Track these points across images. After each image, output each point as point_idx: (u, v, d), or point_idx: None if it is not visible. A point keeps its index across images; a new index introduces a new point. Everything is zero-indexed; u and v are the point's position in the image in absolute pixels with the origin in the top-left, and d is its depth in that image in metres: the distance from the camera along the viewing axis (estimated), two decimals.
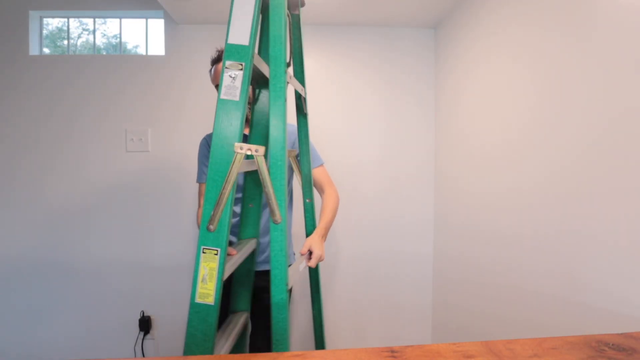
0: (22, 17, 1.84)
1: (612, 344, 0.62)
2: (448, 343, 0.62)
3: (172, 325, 1.87)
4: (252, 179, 1.33)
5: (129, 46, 2.03)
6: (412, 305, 1.97)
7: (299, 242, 1.87)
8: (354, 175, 1.94)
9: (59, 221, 1.84)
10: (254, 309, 1.48)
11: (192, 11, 1.74)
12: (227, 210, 0.85)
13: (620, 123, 0.83)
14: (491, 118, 1.39)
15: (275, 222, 0.89)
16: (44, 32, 1.94)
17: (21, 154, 1.83)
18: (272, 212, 0.89)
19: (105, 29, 2.01)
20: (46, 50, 1.95)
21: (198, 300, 0.83)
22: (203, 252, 0.84)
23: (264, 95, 1.26)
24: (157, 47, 1.95)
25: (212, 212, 0.84)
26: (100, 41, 2.00)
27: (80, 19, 1.97)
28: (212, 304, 0.84)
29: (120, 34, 1.97)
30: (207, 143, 1.39)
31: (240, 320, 1.23)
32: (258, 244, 1.35)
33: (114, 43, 2.00)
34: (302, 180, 1.32)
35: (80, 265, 1.85)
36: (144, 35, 1.96)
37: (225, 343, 1.02)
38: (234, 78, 0.91)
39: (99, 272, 1.86)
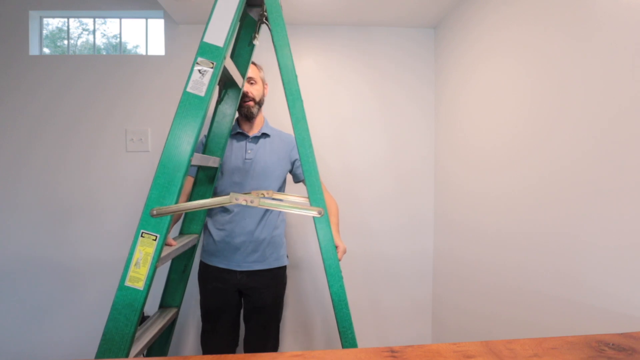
0: (22, 17, 1.84)
1: (612, 344, 0.62)
2: (448, 343, 0.62)
3: None
4: (204, 174, 1.35)
5: (129, 46, 2.03)
6: (412, 305, 1.97)
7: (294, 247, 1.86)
8: (352, 175, 1.94)
9: (59, 221, 1.84)
10: (245, 310, 1.47)
11: (192, 11, 1.74)
12: (173, 200, 0.85)
13: (621, 122, 0.83)
14: (491, 118, 1.39)
15: (320, 215, 0.93)
16: (44, 32, 1.94)
17: (21, 154, 1.83)
18: (314, 209, 0.93)
19: (105, 29, 2.01)
20: (46, 50, 1.95)
21: (127, 283, 0.84)
22: (141, 236, 0.84)
23: (229, 96, 1.29)
24: (157, 47, 1.95)
25: (160, 199, 0.84)
26: (100, 41, 2.00)
27: (80, 19, 1.97)
28: (142, 289, 0.84)
29: (120, 34, 1.97)
30: (200, 142, 1.41)
31: (168, 315, 1.23)
32: (243, 243, 1.38)
33: (114, 43, 2.00)
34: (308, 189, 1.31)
35: (80, 265, 1.85)
36: (144, 35, 1.96)
37: (145, 333, 1.03)
38: (203, 74, 0.92)
39: (99, 272, 1.86)
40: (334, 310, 0.92)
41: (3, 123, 1.83)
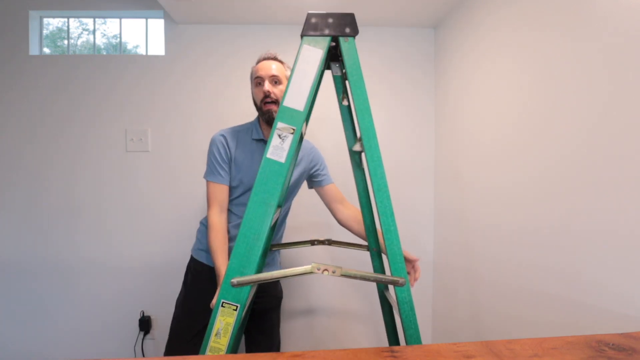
0: (22, 17, 1.84)
1: (612, 344, 0.62)
2: (448, 343, 0.62)
3: None
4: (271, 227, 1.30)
5: (129, 46, 2.03)
6: None
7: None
8: (350, 174, 1.93)
9: (59, 221, 1.84)
10: (252, 327, 1.42)
11: (192, 11, 1.74)
12: (254, 270, 0.84)
13: (621, 122, 0.83)
14: (491, 116, 1.39)
15: (402, 285, 0.89)
16: (44, 32, 1.94)
17: (20, 153, 1.83)
18: (398, 278, 0.89)
19: (105, 29, 2.01)
20: (46, 50, 1.95)
21: (208, 353, 0.82)
22: (222, 306, 0.83)
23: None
24: (157, 47, 1.95)
25: (240, 269, 0.83)
26: (100, 41, 2.00)
27: (80, 19, 1.97)
28: None
29: (120, 34, 1.97)
30: (224, 141, 1.28)
31: None
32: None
33: (114, 43, 2.00)
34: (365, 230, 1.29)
35: (80, 265, 1.85)
36: (144, 35, 1.96)
37: None
38: (283, 140, 0.90)
39: (98, 271, 1.86)
40: (401, 316, 0.92)
41: (2, 122, 1.83)
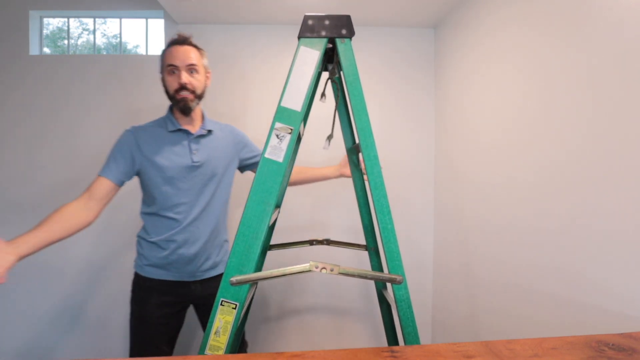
0: (22, 17, 1.84)
1: (612, 344, 0.62)
2: (448, 343, 0.62)
3: None
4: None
5: (129, 46, 2.04)
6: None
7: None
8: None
9: None
10: (203, 318, 1.34)
11: (192, 11, 1.74)
12: (252, 268, 0.85)
13: (627, 117, 0.83)
14: (491, 115, 1.39)
15: (399, 283, 0.89)
16: (44, 32, 1.94)
17: (23, 154, 1.83)
18: (395, 276, 0.88)
19: (105, 29, 2.01)
20: (46, 50, 1.95)
21: (208, 352, 0.82)
22: (221, 304, 0.83)
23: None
24: (157, 47, 1.95)
25: (239, 267, 0.83)
26: (100, 41, 2.00)
27: (80, 19, 1.97)
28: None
29: (120, 34, 1.97)
30: (134, 138, 1.19)
31: None
32: (202, 250, 1.25)
33: (114, 43, 2.01)
34: (364, 230, 1.29)
35: (80, 265, 1.85)
36: (144, 35, 1.96)
37: None
38: (281, 140, 0.91)
39: (98, 271, 1.86)
40: (400, 316, 0.92)
41: (4, 123, 1.83)
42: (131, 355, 1.26)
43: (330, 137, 1.23)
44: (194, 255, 1.23)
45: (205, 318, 1.34)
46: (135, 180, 1.26)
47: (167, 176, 1.19)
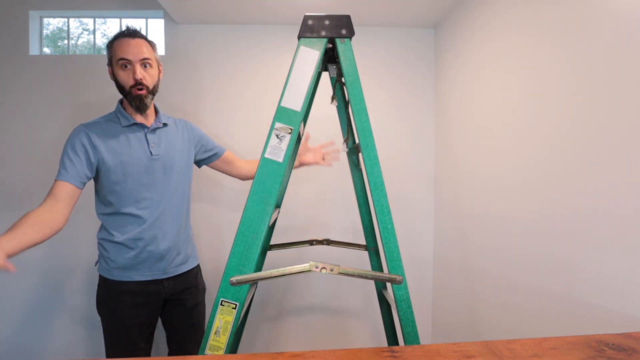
0: (22, 17, 1.84)
1: (612, 344, 0.62)
2: (448, 343, 0.62)
3: None
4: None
5: None
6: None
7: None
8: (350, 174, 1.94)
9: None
10: (175, 319, 1.32)
11: (192, 11, 1.74)
12: (252, 268, 0.85)
13: (628, 117, 0.84)
14: (491, 115, 1.39)
15: (399, 283, 0.89)
16: (44, 32, 1.94)
17: (21, 153, 1.83)
18: (395, 276, 0.88)
19: (106, 29, 2.01)
20: (46, 50, 1.95)
21: (208, 352, 0.83)
22: (221, 304, 0.83)
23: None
24: (157, 47, 1.95)
25: (239, 267, 0.84)
26: (100, 41, 2.00)
27: (80, 19, 1.97)
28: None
29: None
30: (87, 136, 1.13)
31: None
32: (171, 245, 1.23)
33: None
34: (364, 230, 1.30)
35: (79, 265, 1.85)
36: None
37: None
38: (281, 140, 0.91)
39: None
40: (400, 316, 0.93)
41: (3, 123, 1.83)
42: (107, 357, 1.23)
43: (346, 140, 1.24)
44: (165, 251, 1.22)
45: (170, 316, 1.31)
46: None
47: (127, 171, 1.15)
